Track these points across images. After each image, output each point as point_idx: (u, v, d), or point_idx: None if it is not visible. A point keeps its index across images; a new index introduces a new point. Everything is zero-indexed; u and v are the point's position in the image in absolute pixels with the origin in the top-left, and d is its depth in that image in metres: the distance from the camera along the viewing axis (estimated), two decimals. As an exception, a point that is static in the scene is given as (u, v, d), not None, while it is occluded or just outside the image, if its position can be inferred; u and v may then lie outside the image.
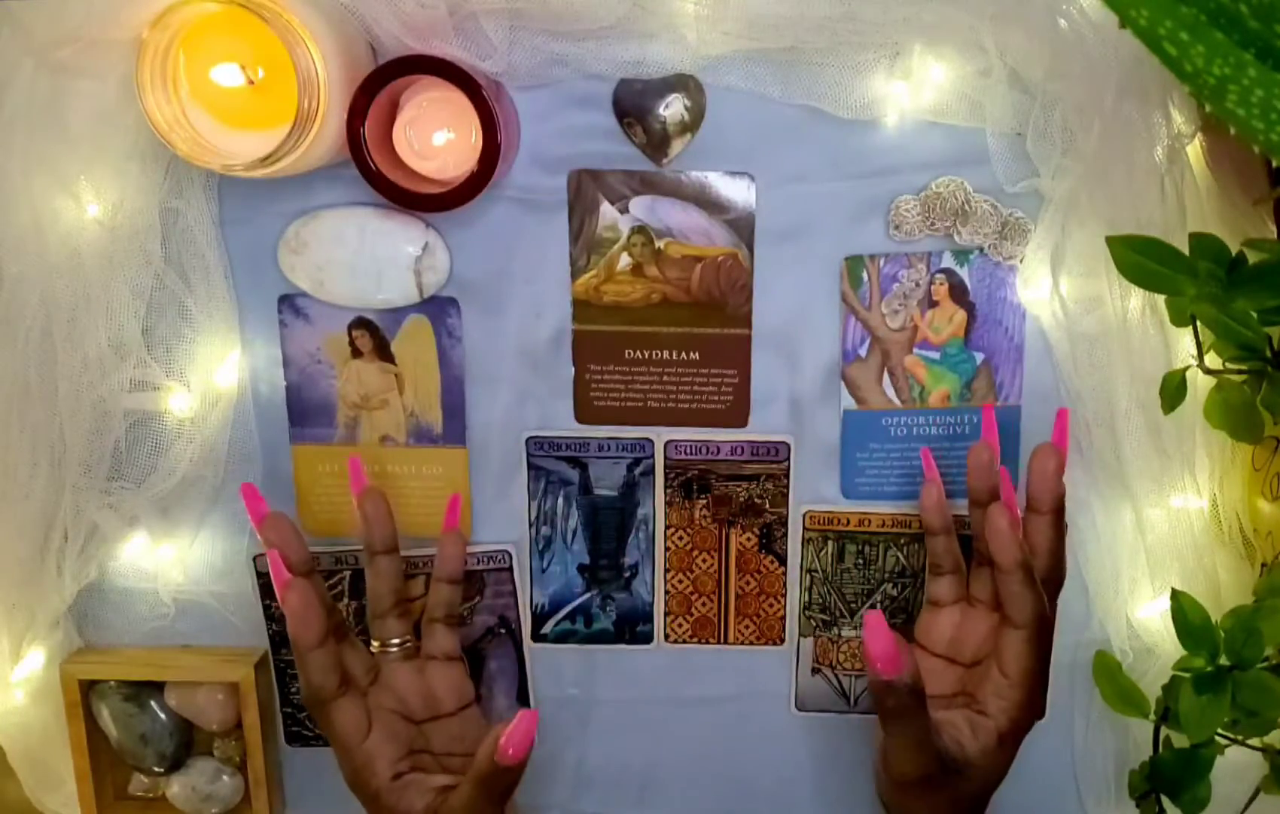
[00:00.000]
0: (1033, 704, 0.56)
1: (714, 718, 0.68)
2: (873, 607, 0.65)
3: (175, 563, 0.64)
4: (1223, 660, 0.54)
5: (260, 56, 0.52)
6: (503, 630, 0.66)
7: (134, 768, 0.68)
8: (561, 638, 0.67)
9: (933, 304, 0.61)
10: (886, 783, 0.56)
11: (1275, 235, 0.57)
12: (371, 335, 0.62)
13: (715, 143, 0.59)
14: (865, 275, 0.61)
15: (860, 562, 0.65)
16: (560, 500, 0.65)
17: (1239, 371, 0.53)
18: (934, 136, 0.58)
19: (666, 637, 0.67)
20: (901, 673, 0.50)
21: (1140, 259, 0.49)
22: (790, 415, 0.63)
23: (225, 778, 0.68)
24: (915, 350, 0.62)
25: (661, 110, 0.58)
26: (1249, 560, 0.61)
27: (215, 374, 0.61)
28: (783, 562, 0.65)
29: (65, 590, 0.62)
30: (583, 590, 0.66)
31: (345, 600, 0.66)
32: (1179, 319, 0.53)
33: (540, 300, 0.62)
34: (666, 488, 0.64)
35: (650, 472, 0.64)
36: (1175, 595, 0.56)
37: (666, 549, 0.65)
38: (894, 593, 0.65)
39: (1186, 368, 0.54)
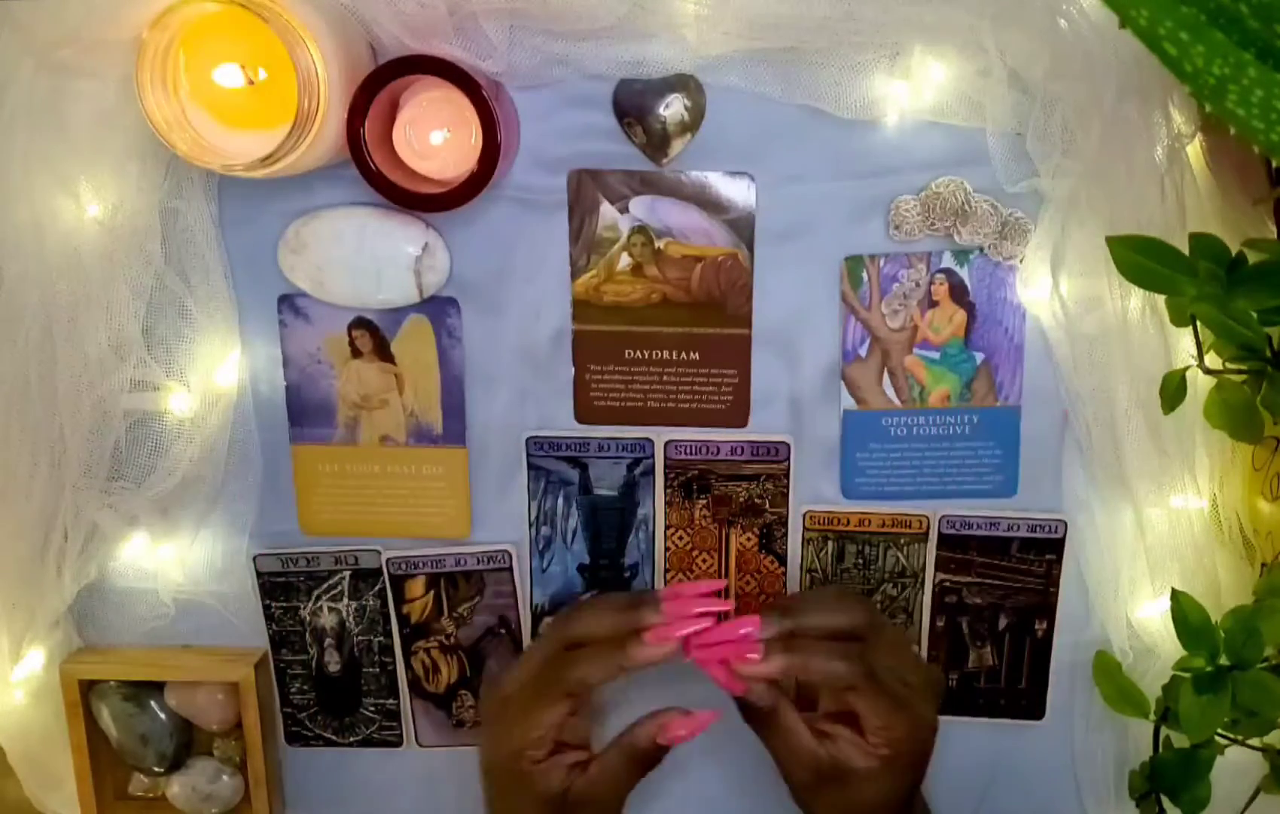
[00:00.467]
0: (913, 732, 0.55)
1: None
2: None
3: (175, 563, 0.64)
4: (1223, 660, 0.54)
5: (260, 56, 0.52)
6: (503, 630, 0.66)
7: (134, 768, 0.68)
8: (561, 638, 0.67)
9: (933, 304, 0.61)
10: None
11: (1275, 235, 0.57)
12: (371, 335, 0.62)
13: (715, 143, 0.59)
14: (865, 275, 0.61)
15: (860, 562, 0.65)
16: (560, 500, 0.65)
17: (1239, 371, 0.53)
18: (934, 136, 0.58)
19: (666, 637, 0.66)
20: (744, 693, 0.53)
21: (1140, 259, 0.49)
22: (790, 415, 0.63)
23: (225, 778, 0.68)
24: (915, 350, 0.62)
25: (661, 110, 0.58)
26: (1249, 560, 0.61)
27: (215, 374, 0.61)
28: (783, 562, 0.65)
29: (65, 590, 0.62)
30: (583, 590, 0.66)
31: (345, 600, 0.66)
32: (1179, 319, 0.53)
33: (540, 300, 0.62)
34: (666, 488, 0.64)
35: (650, 472, 0.64)
36: (1175, 595, 0.56)
37: (666, 549, 0.65)
38: (894, 593, 0.65)
39: (1186, 368, 0.54)
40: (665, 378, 0.63)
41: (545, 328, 0.62)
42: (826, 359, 0.62)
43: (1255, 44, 0.37)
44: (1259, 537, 0.60)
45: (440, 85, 0.53)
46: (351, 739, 0.69)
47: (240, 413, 0.62)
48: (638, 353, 0.62)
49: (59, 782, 0.67)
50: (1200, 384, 0.55)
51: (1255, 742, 0.57)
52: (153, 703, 0.67)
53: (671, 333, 0.62)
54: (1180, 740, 0.59)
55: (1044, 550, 0.64)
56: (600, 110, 0.58)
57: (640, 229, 0.60)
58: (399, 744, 0.69)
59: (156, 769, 0.68)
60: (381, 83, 0.53)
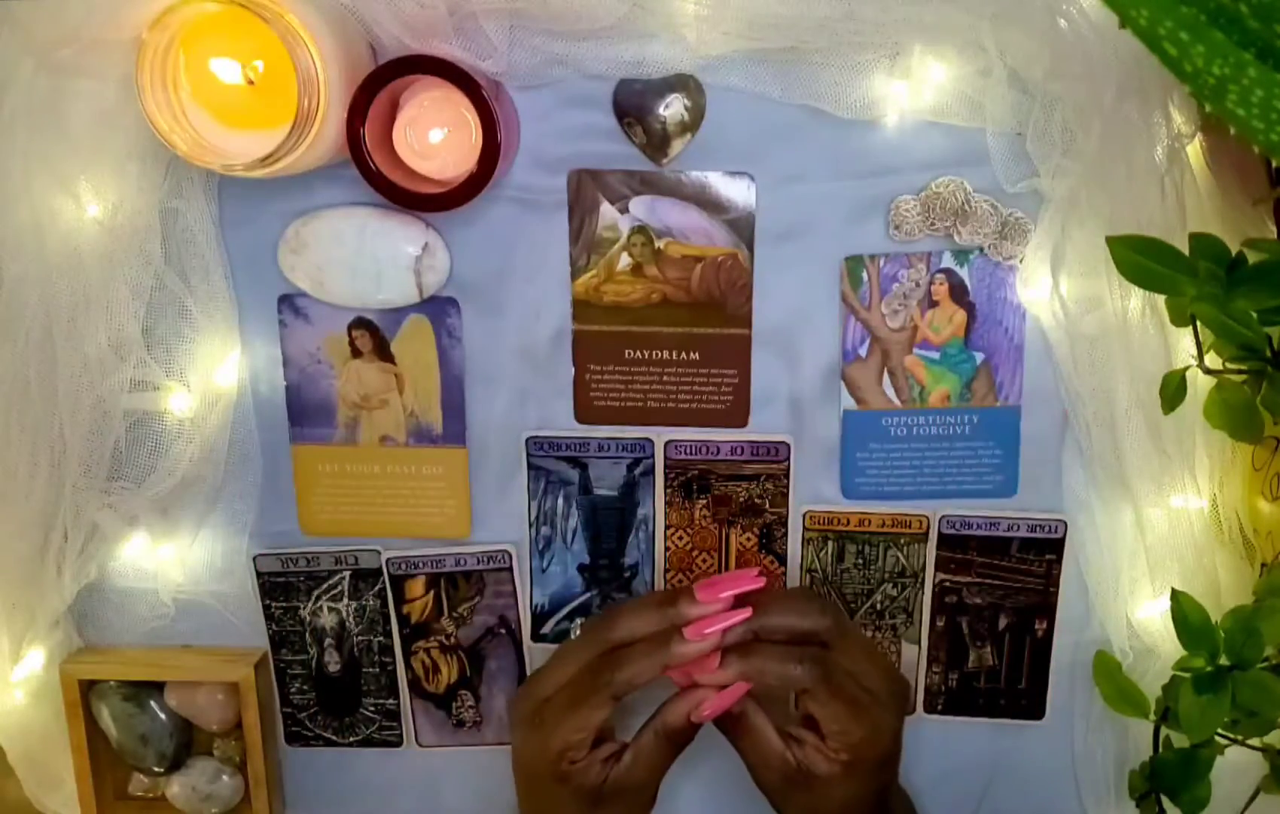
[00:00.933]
0: (872, 736, 0.54)
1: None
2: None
3: (175, 563, 0.64)
4: (1223, 660, 0.54)
5: (260, 56, 0.52)
6: (503, 630, 0.66)
7: (134, 768, 0.68)
8: (561, 638, 0.66)
9: (933, 304, 0.61)
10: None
11: (1275, 235, 0.57)
12: (371, 335, 0.62)
13: (715, 143, 0.59)
14: (865, 275, 0.61)
15: (860, 562, 0.65)
16: (560, 500, 0.65)
17: (1239, 371, 0.53)
18: (934, 136, 0.58)
19: (666, 637, 0.66)
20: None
21: (1140, 259, 0.49)
22: (790, 415, 0.63)
23: (225, 778, 0.68)
24: (915, 350, 0.62)
25: (661, 110, 0.58)
26: (1249, 560, 0.61)
27: (215, 374, 0.61)
28: (783, 562, 0.65)
29: (65, 590, 0.62)
30: (583, 590, 0.66)
31: (345, 600, 0.66)
32: (1179, 319, 0.53)
33: (540, 300, 0.62)
34: (666, 488, 0.64)
35: (650, 472, 0.64)
36: (1175, 595, 0.56)
37: (666, 549, 0.65)
38: (894, 593, 0.65)
39: (1186, 368, 0.54)
40: (665, 378, 0.63)
41: (545, 328, 0.62)
42: (826, 359, 0.62)
43: (1255, 44, 0.37)
44: (1259, 537, 0.60)
45: (440, 85, 0.53)
46: (351, 739, 0.69)
47: (240, 413, 0.62)
48: (638, 353, 0.62)
49: (59, 782, 0.67)
50: (1200, 384, 0.55)
51: (1255, 742, 0.57)
52: (153, 703, 0.67)
53: (671, 333, 0.62)
54: (1180, 740, 0.59)
55: (1044, 550, 0.64)
56: (600, 110, 0.58)
57: (640, 229, 0.60)
58: (399, 744, 0.69)
59: (156, 769, 0.68)
60: (381, 83, 0.53)
